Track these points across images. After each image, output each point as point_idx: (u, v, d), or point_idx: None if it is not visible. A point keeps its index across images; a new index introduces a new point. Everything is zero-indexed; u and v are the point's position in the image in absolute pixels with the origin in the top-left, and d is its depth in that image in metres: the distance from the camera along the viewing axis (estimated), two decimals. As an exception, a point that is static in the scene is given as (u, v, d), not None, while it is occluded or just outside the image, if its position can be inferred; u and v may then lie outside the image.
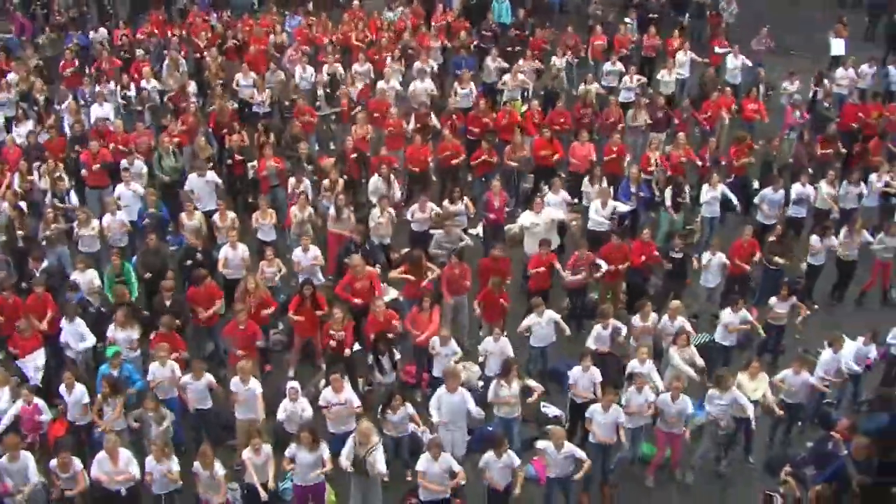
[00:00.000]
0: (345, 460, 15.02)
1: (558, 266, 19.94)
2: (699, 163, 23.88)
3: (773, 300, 19.20)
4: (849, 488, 15.02)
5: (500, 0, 33.17)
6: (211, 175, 21.98)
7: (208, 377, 16.64)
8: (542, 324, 18.22)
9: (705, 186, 22.48)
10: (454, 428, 16.20)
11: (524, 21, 31.87)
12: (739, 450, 17.43)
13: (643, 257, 20.29)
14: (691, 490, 17.15)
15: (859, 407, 18.47)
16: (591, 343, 17.96)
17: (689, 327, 18.38)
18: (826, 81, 28.45)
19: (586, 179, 22.72)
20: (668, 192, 22.46)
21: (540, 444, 15.59)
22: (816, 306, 21.46)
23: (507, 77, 27.60)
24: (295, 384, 16.40)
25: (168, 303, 18.25)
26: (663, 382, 17.04)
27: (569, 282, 20.10)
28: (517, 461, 15.19)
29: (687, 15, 34.90)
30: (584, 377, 16.96)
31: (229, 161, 23.36)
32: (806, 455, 16.55)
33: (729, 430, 16.80)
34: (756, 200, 22.49)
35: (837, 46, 31.11)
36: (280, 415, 16.19)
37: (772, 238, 20.82)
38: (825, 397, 18.30)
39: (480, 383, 18.23)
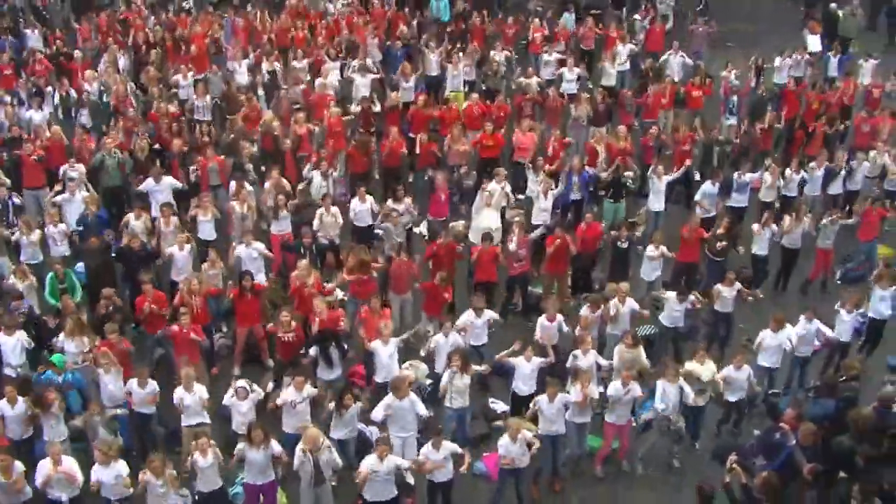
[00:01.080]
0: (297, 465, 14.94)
1: (502, 258, 20.08)
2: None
3: (718, 286, 19.37)
4: (797, 476, 15.18)
5: (438, -4, 33.17)
6: (168, 179, 21.81)
7: (153, 385, 16.47)
8: (479, 324, 18.24)
9: (652, 178, 22.64)
10: (405, 433, 16.07)
11: (463, 13, 31.83)
12: (686, 438, 17.55)
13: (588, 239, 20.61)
14: (640, 479, 17.27)
15: (806, 393, 18.63)
16: (537, 335, 18.01)
17: (638, 308, 18.75)
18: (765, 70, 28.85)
19: (529, 168, 22.78)
20: (605, 172, 22.72)
21: (501, 442, 15.56)
22: (761, 294, 21.67)
23: (448, 66, 27.70)
24: (243, 383, 16.21)
25: (109, 309, 18.09)
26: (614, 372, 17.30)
27: (511, 269, 20.22)
28: (458, 448, 15.32)
29: (624, 9, 35.09)
30: (527, 366, 17.04)
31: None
32: (753, 443, 16.68)
33: (678, 424, 16.93)
34: (697, 197, 22.62)
35: (813, 42, 31.38)
36: (226, 400, 16.12)
37: (720, 230, 20.96)
38: (772, 386, 18.54)
39: (429, 381, 18.24)
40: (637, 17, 32.64)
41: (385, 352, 17.24)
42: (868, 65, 28.97)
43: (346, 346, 17.78)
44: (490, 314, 18.43)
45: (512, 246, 20.10)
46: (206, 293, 18.70)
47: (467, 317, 18.23)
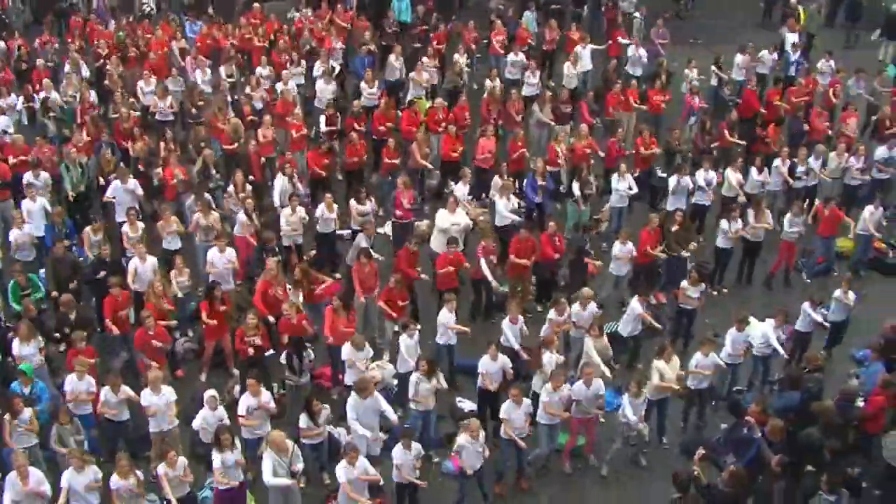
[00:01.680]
0: (272, 477, 14.84)
1: (466, 264, 20.04)
2: (602, 154, 24.22)
3: (684, 283, 19.49)
4: (765, 469, 15.29)
5: (400, -2, 33.07)
6: (133, 183, 21.63)
7: (126, 390, 16.36)
8: (453, 321, 18.26)
9: (614, 176, 22.71)
10: (369, 432, 16.10)
11: (426, 17, 31.81)
12: (654, 435, 17.65)
13: (551, 250, 20.48)
14: (608, 475, 17.31)
15: (770, 387, 18.76)
16: (504, 341, 18.01)
17: (597, 311, 18.76)
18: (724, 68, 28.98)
19: (496, 177, 22.78)
20: (574, 185, 22.65)
21: (458, 439, 15.64)
22: (725, 290, 21.81)
23: (412, 74, 27.61)
24: (213, 392, 16.14)
25: (72, 317, 18.03)
26: (578, 370, 17.37)
27: (476, 272, 20.22)
28: (422, 450, 15.40)
29: (586, 8, 35.16)
30: (493, 366, 17.05)
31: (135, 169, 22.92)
32: (721, 437, 16.79)
33: (641, 430, 17.01)
34: (671, 188, 22.74)
35: (791, 40, 31.48)
36: (197, 423, 16.00)
37: (674, 227, 21.07)
38: (735, 383, 18.69)
39: (395, 381, 18.25)
40: (637, 14, 32.47)
41: (357, 357, 17.17)
42: (829, 62, 29.12)
43: (311, 354, 17.79)
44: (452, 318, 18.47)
45: (484, 269, 20.12)
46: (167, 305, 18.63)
47: (446, 316, 18.21)
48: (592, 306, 18.67)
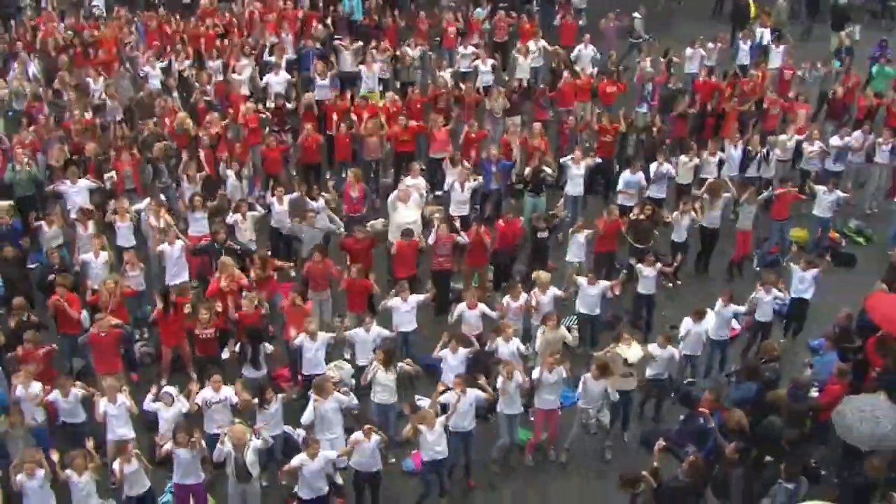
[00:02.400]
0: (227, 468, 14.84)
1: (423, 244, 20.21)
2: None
3: (638, 265, 19.59)
4: (722, 457, 15.37)
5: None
6: (84, 182, 21.46)
7: (76, 392, 16.13)
8: (405, 308, 18.22)
9: (568, 161, 22.80)
10: (332, 435, 15.93)
11: (376, 10, 31.72)
12: (617, 427, 17.64)
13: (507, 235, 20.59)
14: (571, 470, 17.33)
15: (727, 378, 18.84)
16: (464, 329, 18.06)
17: (560, 293, 18.93)
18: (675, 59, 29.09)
19: (446, 162, 22.81)
20: (526, 170, 22.75)
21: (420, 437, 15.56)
22: (680, 282, 21.85)
23: (362, 67, 27.51)
24: (171, 389, 16.05)
25: (23, 319, 17.75)
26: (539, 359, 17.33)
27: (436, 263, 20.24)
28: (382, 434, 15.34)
29: (535, 3, 35.22)
30: (454, 358, 16.99)
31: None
32: (679, 428, 16.84)
33: (602, 419, 17.03)
34: (620, 186, 22.83)
35: (761, 35, 31.64)
36: (148, 405, 15.96)
37: (640, 217, 21.08)
38: (694, 374, 18.80)
39: (353, 381, 18.15)
40: (637, 14, 32.56)
41: (311, 347, 17.12)
42: (779, 49, 29.33)
43: (269, 347, 17.66)
44: (416, 298, 18.44)
45: (431, 239, 20.14)
46: (124, 294, 18.40)
47: (392, 301, 18.24)
48: (553, 291, 18.71)
